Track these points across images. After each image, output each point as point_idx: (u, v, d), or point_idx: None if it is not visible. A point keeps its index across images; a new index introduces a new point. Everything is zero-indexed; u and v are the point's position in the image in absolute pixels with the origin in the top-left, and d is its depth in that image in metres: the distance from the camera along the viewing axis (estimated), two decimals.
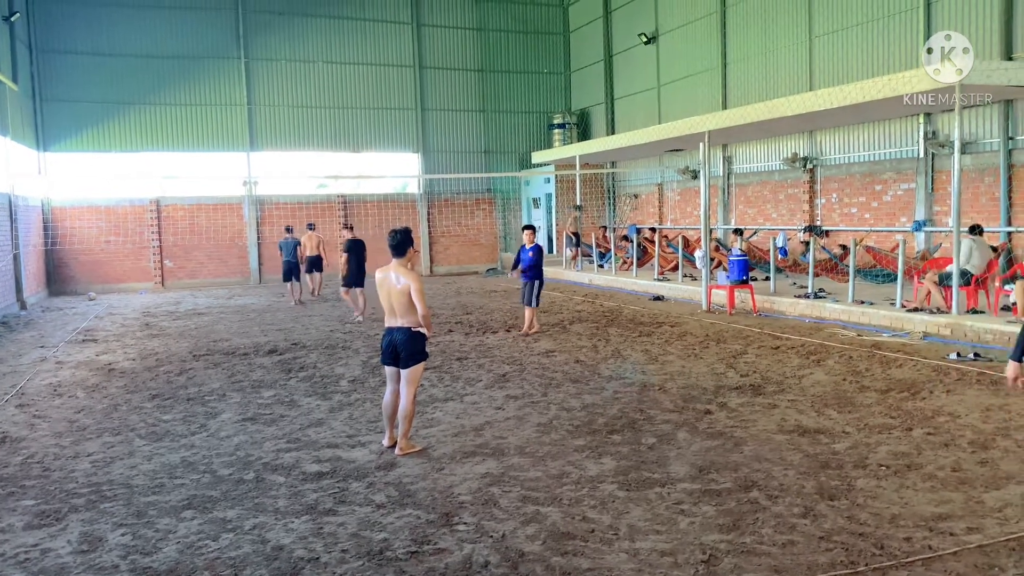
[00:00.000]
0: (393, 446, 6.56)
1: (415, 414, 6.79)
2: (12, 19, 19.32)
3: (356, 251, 14.87)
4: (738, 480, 5.59)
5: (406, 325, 6.45)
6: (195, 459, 6.50)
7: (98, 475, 6.15)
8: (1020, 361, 4.76)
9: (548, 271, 22.56)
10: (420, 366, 6.55)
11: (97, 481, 6.00)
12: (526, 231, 12.80)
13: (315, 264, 18.34)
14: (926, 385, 8.25)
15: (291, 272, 18.21)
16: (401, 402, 6.49)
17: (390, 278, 6.44)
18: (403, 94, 26.38)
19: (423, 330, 6.49)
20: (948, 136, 14.72)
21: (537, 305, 12.57)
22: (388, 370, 6.66)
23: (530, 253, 12.48)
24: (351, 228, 16.03)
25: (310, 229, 18.84)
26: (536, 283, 12.46)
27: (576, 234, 22.98)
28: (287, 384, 9.39)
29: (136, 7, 23.22)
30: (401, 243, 6.49)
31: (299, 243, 18.25)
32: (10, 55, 19.76)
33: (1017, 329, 10.11)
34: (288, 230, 18.96)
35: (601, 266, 21.47)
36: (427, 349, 6.70)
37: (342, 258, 14.81)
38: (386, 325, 6.58)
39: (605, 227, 23.70)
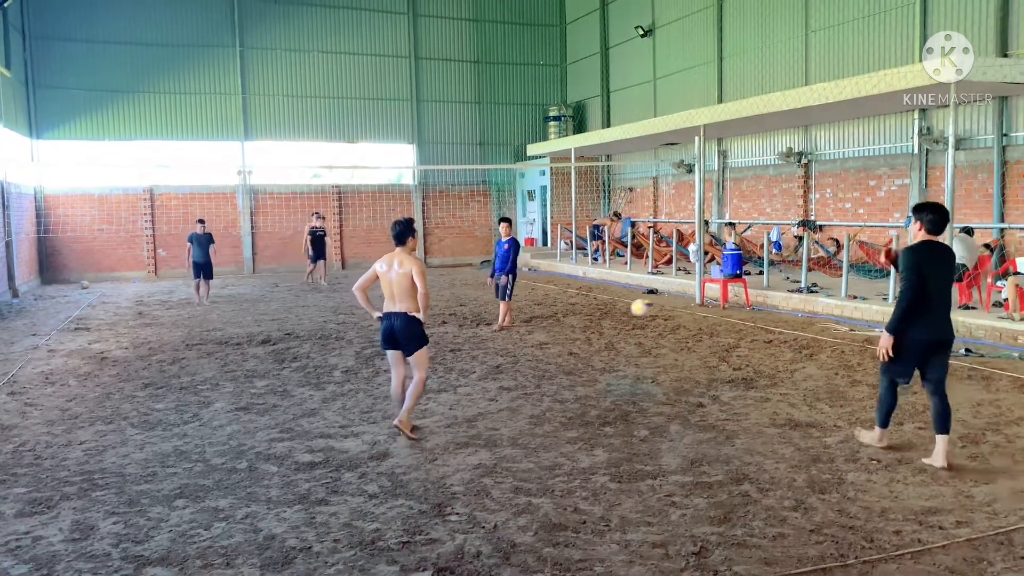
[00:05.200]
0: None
1: (424, 394, 6.84)
2: (5, 5, 19.19)
3: (196, 243, 16.10)
4: (729, 473, 5.61)
5: (403, 310, 6.63)
6: (188, 448, 6.50)
7: (90, 463, 6.14)
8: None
9: (544, 263, 22.70)
10: (424, 350, 6.76)
11: (89, 469, 6.00)
12: (502, 224, 12.79)
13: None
14: (917, 380, 8.26)
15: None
16: (412, 383, 6.68)
17: (392, 265, 6.66)
18: (399, 85, 26.28)
19: (419, 315, 6.64)
20: (943, 132, 14.73)
21: (510, 299, 12.52)
22: (390, 355, 6.87)
23: (505, 246, 12.43)
24: (202, 221, 16.70)
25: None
26: (510, 277, 12.39)
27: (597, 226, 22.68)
28: (280, 374, 9.39)
29: None
30: (402, 233, 6.77)
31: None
32: (3, 41, 19.61)
33: (1007, 325, 10.18)
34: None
35: (595, 259, 21.50)
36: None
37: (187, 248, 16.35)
38: (384, 311, 6.73)
39: (618, 214, 23.42)
